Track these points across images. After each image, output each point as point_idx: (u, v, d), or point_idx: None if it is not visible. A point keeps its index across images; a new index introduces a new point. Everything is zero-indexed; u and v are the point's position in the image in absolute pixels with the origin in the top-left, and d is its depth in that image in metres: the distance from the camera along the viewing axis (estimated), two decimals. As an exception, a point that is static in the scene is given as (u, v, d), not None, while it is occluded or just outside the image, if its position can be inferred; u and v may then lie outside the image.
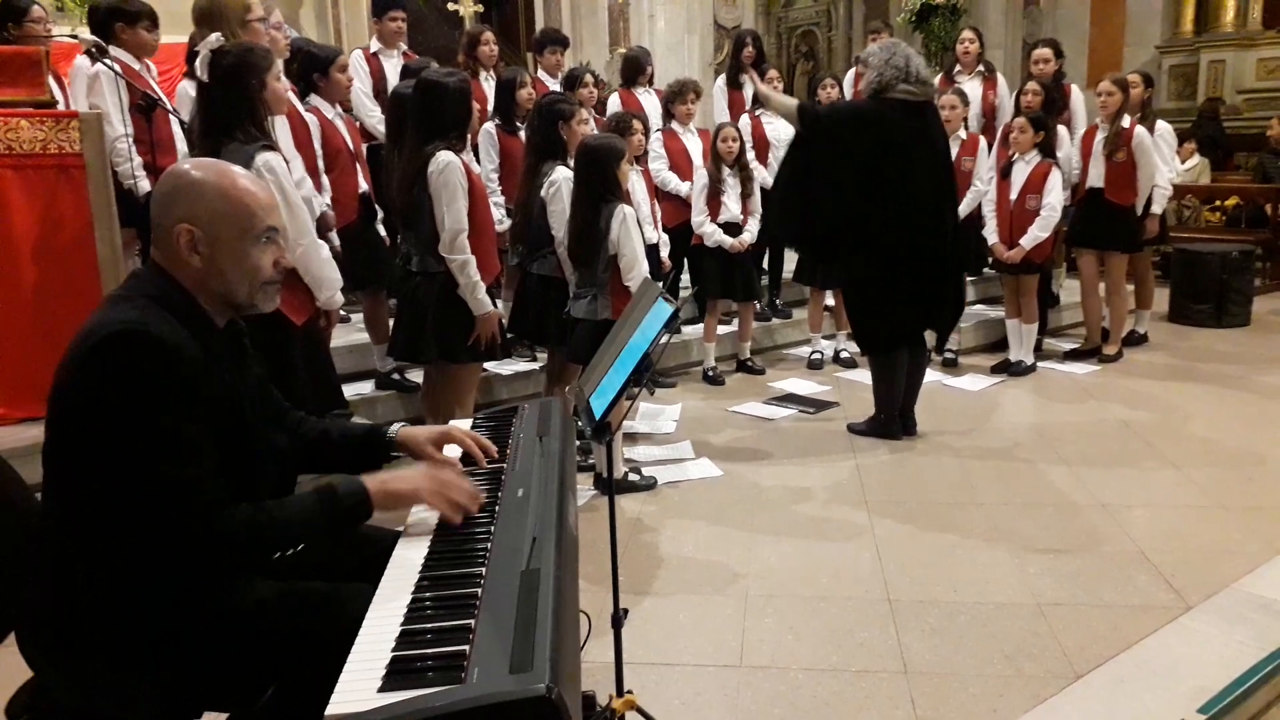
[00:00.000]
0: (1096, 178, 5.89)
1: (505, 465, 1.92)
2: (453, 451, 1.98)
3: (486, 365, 4.52)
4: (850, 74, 7.24)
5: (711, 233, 5.50)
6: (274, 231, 1.73)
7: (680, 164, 5.87)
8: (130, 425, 1.51)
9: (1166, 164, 6.37)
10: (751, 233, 5.58)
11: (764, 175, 5.96)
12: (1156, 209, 6.14)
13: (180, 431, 1.54)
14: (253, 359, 1.86)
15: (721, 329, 5.96)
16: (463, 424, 2.14)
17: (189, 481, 1.53)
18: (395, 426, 2.01)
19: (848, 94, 7.12)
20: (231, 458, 1.64)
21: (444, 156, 3.48)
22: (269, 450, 1.78)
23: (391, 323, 4.11)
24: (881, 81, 4.28)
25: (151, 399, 1.52)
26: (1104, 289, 6.17)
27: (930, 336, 4.95)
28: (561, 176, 4.11)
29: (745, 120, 6.17)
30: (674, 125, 5.94)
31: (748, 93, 6.49)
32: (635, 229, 3.92)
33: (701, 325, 5.87)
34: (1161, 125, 6.35)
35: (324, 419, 2.10)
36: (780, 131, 6.14)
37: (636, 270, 3.90)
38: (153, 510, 1.52)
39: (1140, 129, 5.85)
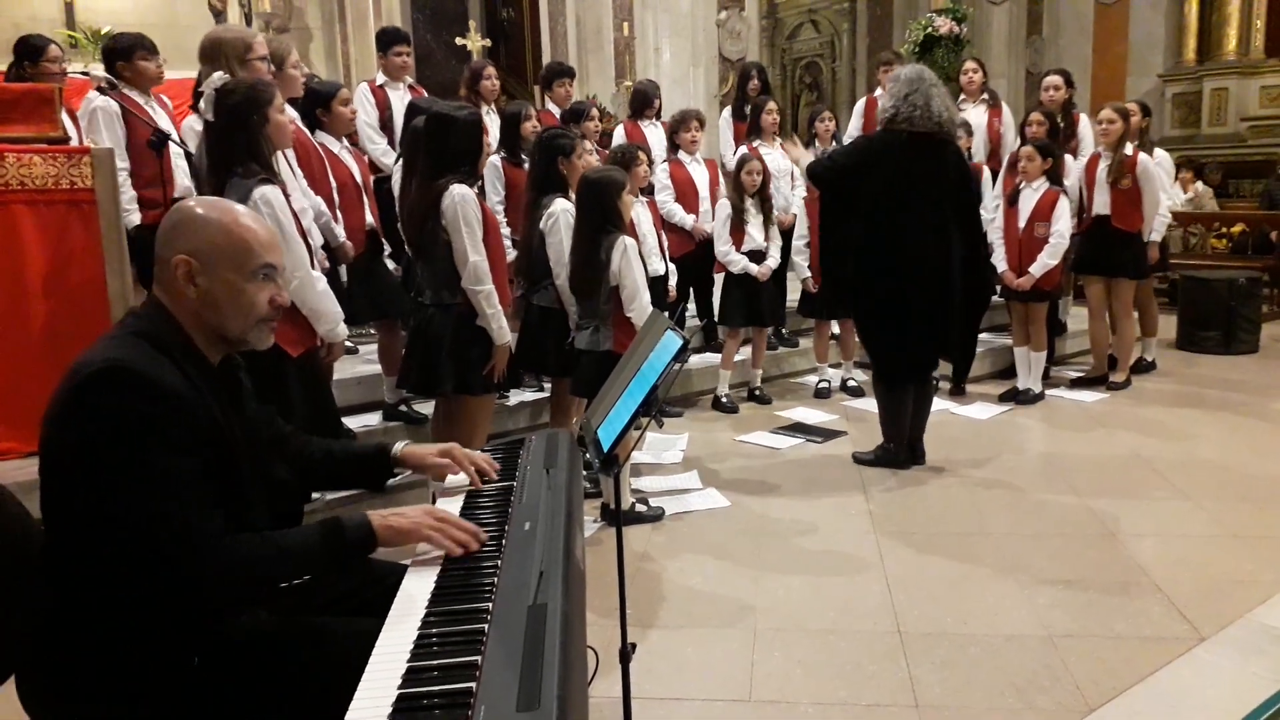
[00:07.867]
0: (1102, 205, 5.90)
1: (513, 498, 1.92)
2: (454, 478, 2.01)
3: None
4: (861, 103, 7.29)
5: (738, 260, 5.52)
6: (272, 269, 1.75)
7: (686, 194, 5.91)
8: (115, 462, 1.52)
9: (1165, 191, 6.40)
10: (775, 259, 5.63)
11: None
12: (1156, 236, 6.16)
13: (167, 466, 1.54)
14: (249, 394, 1.86)
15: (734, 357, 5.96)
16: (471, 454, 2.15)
17: (178, 515, 1.53)
18: (399, 445, 2.04)
19: (854, 123, 7.18)
20: (223, 493, 1.63)
21: (458, 190, 3.48)
22: (265, 484, 1.78)
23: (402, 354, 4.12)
24: (898, 115, 4.33)
25: (135, 435, 1.53)
26: (1110, 316, 6.17)
27: (945, 367, 4.94)
28: (559, 209, 4.14)
29: (744, 151, 6.19)
30: (680, 155, 5.99)
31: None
32: (636, 260, 3.94)
33: (707, 355, 5.86)
34: (1159, 153, 6.39)
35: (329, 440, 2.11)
36: (779, 162, 6.17)
37: (638, 302, 3.91)
38: (145, 546, 1.52)
39: (1144, 155, 5.89)
